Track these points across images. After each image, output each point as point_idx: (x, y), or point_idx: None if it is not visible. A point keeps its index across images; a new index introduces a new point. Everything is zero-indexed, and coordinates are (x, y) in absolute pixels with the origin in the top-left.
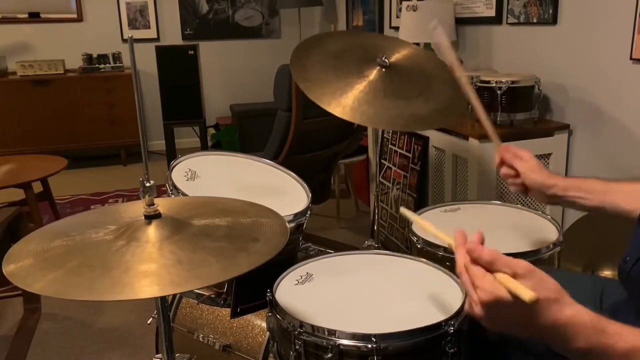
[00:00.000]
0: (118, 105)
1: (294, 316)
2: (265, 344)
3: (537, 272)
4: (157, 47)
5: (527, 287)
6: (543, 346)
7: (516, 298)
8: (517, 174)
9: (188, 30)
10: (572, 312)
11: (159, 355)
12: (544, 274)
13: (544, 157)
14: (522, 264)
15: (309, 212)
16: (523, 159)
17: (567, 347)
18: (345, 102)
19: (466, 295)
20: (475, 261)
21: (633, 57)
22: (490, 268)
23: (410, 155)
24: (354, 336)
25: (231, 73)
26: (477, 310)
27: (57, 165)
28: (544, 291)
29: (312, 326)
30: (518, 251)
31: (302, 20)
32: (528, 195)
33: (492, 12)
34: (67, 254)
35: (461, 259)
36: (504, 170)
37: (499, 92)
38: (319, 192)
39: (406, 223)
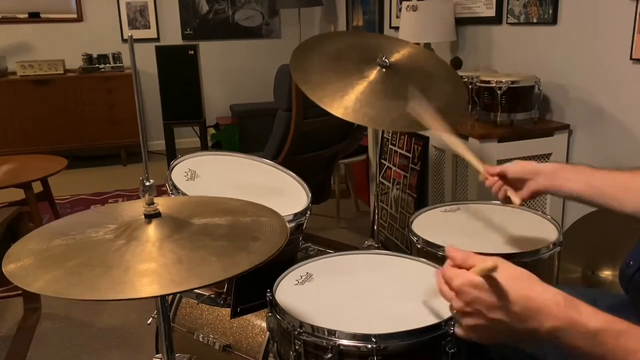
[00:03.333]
0: (118, 105)
1: (293, 316)
2: (265, 344)
3: (507, 261)
4: (157, 47)
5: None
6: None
7: (486, 277)
8: (505, 179)
9: (188, 30)
10: (543, 288)
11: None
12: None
13: (544, 157)
14: (492, 257)
15: (309, 212)
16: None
17: (540, 327)
18: (346, 104)
19: (455, 320)
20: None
21: (633, 57)
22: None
23: (410, 155)
24: (354, 336)
25: (231, 73)
26: (460, 317)
27: (57, 165)
28: (511, 270)
29: (312, 326)
30: (518, 251)
31: (302, 20)
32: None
33: (492, 12)
34: (67, 253)
35: (438, 276)
36: (490, 181)
37: (499, 92)
38: (319, 192)
39: (406, 223)
